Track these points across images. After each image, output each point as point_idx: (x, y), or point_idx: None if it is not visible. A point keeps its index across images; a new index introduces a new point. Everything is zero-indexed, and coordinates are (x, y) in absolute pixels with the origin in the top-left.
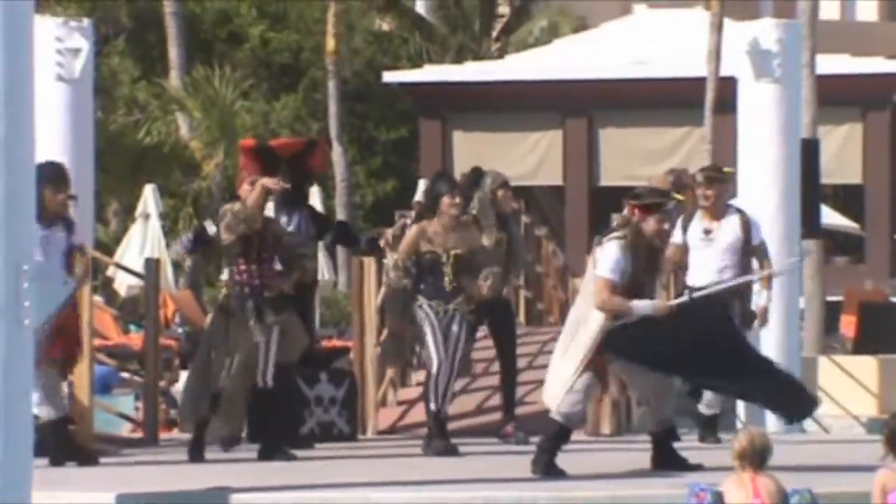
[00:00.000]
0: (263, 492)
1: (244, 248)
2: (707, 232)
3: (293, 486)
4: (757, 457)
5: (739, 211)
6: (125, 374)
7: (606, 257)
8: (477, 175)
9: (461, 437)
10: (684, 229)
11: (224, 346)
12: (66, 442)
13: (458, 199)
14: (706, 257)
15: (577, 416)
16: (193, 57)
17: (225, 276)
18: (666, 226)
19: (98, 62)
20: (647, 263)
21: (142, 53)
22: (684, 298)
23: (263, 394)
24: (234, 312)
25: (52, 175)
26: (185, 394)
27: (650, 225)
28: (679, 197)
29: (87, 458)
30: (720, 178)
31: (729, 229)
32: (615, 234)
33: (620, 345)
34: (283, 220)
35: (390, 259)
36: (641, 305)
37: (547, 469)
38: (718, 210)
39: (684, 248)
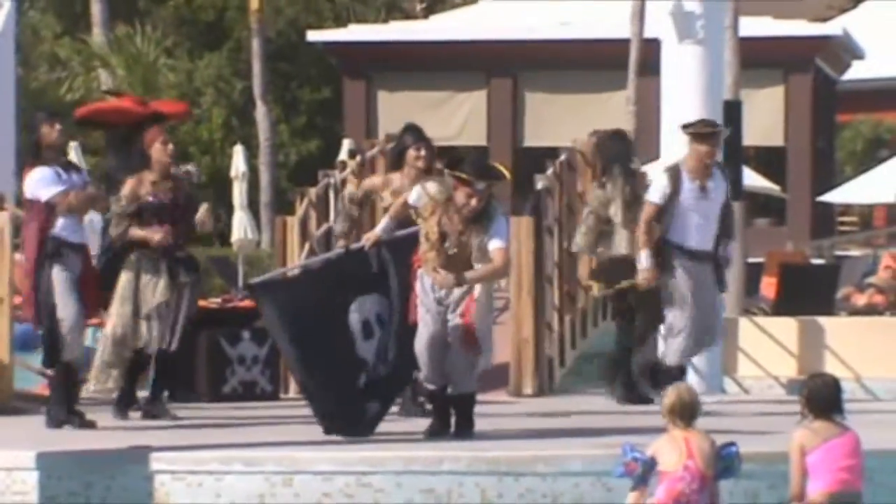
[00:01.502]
0: (184, 451)
1: (157, 210)
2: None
3: (215, 444)
4: (687, 411)
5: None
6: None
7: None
8: (626, 141)
9: None
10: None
11: (133, 306)
12: (70, 402)
13: (423, 152)
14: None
15: (425, 376)
16: (116, 13)
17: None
18: (474, 201)
19: (19, 18)
20: (459, 231)
21: (64, 9)
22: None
23: (167, 352)
24: (147, 272)
25: (44, 111)
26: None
27: (459, 195)
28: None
29: (85, 421)
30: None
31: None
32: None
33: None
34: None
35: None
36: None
37: (429, 434)
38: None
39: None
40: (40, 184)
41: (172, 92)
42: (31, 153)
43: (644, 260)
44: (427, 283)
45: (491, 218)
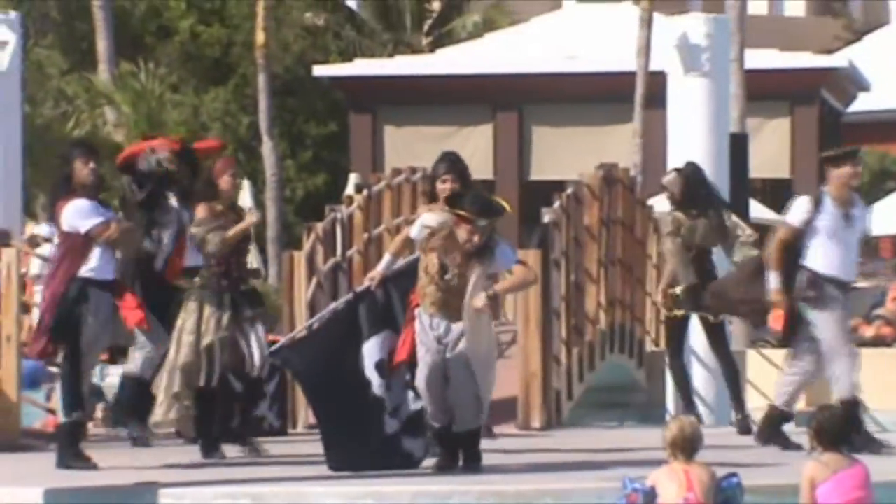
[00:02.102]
0: (193, 486)
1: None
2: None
3: (223, 480)
4: (688, 445)
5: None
6: (53, 369)
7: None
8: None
9: None
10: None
11: (196, 338)
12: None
13: (447, 184)
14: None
15: (430, 415)
16: (122, 50)
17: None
18: (475, 238)
19: (25, 55)
20: (460, 265)
21: (70, 46)
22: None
23: (253, 379)
24: (210, 304)
25: (81, 146)
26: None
27: (461, 231)
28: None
29: (90, 465)
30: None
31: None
32: (439, 216)
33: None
34: (184, 214)
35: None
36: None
37: (438, 469)
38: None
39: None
40: (79, 215)
41: (179, 128)
42: (62, 187)
43: (773, 281)
44: (426, 321)
45: (493, 251)
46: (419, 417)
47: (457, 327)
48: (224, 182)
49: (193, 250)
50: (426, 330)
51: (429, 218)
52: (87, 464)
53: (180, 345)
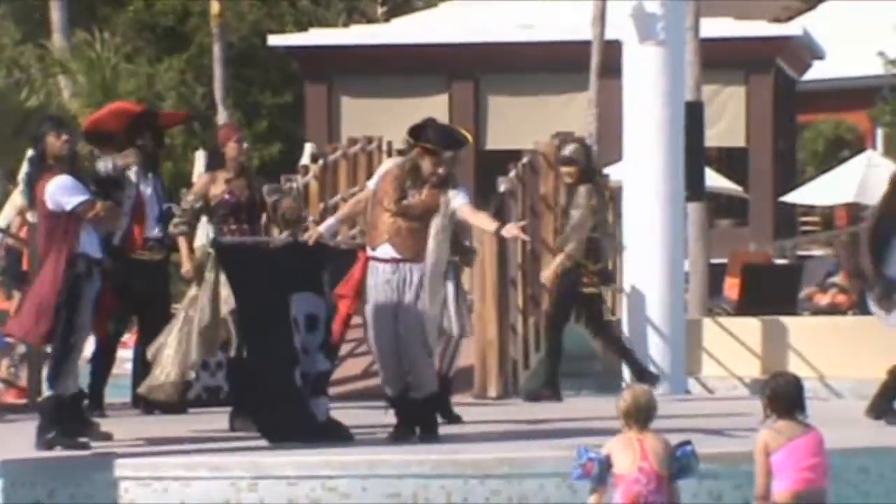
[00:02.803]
0: (149, 457)
1: (233, 208)
2: None
3: (180, 451)
4: (642, 414)
5: None
6: (9, 340)
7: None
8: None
9: (347, 401)
10: None
11: (214, 305)
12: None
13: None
14: None
15: (384, 380)
16: (77, 19)
17: (210, 234)
18: (441, 169)
19: None
20: (424, 196)
21: (24, 16)
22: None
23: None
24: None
25: (51, 120)
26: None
27: (426, 164)
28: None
29: (100, 434)
30: None
31: None
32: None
33: None
34: (144, 184)
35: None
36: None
37: (394, 438)
38: None
39: None
40: (63, 192)
41: (133, 97)
42: (36, 166)
43: None
44: (381, 277)
45: (457, 184)
46: (324, 378)
47: (417, 278)
48: (231, 149)
49: (153, 221)
50: (380, 286)
51: (388, 165)
52: (74, 442)
53: (203, 309)
